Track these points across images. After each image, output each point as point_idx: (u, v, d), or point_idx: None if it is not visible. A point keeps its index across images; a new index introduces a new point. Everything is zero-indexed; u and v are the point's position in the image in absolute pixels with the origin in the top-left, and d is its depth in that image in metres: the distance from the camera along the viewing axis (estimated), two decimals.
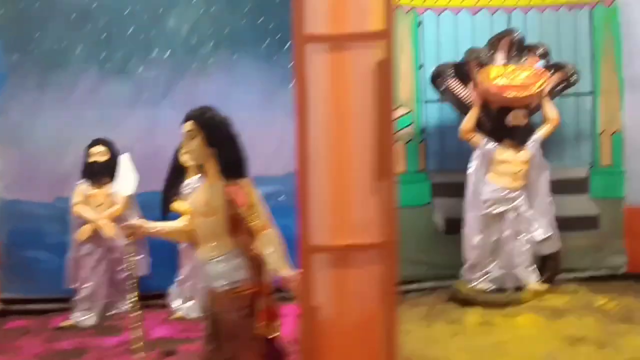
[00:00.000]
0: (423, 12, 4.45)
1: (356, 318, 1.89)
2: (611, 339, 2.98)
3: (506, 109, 3.81)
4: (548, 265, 3.93)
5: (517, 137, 3.78)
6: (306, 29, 1.84)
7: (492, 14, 4.47)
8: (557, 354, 2.82)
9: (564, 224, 4.42)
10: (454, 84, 3.98)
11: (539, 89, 3.73)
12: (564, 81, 4.01)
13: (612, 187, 4.54)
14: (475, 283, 3.82)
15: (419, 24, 4.46)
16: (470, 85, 3.87)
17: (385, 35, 1.86)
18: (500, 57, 3.96)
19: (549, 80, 3.94)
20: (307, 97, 1.84)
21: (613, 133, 4.55)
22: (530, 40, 4.43)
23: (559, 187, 4.49)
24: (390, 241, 1.96)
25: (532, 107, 3.88)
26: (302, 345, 1.88)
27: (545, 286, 3.70)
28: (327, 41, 1.87)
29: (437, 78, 3.99)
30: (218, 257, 1.87)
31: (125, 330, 3.05)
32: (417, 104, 4.42)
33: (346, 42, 1.85)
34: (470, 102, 3.86)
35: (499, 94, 3.72)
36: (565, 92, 4.25)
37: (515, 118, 3.79)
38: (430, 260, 4.16)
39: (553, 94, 4.04)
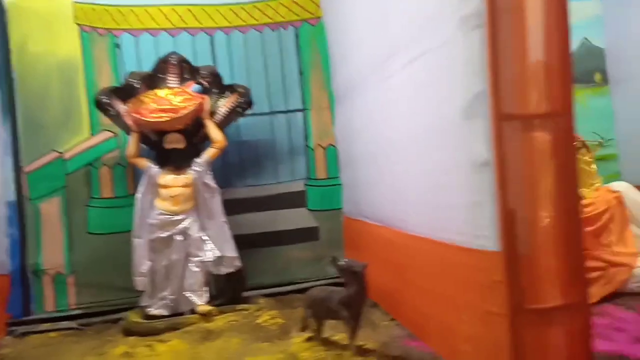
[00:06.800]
0: (120, 35, 4.41)
1: None
2: None
3: (162, 132, 3.80)
4: (230, 285, 3.92)
5: (176, 160, 3.76)
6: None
7: (194, 36, 4.52)
8: None
9: (286, 237, 4.64)
10: (119, 108, 3.90)
11: (188, 112, 3.71)
12: (239, 103, 4.03)
13: (329, 199, 4.67)
14: (150, 310, 3.73)
15: (117, 46, 4.41)
16: (127, 109, 3.82)
17: None
18: (171, 80, 3.96)
19: (229, 103, 4.01)
20: None
21: (326, 147, 4.72)
22: (237, 61, 4.57)
23: (278, 202, 4.67)
24: None
25: (188, 129, 3.87)
26: None
27: (210, 308, 3.65)
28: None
29: (99, 103, 3.90)
30: None
31: None
32: None
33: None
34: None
35: (139, 118, 3.69)
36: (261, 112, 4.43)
37: (170, 142, 3.78)
38: None
39: (232, 116, 4.08)
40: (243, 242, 4.28)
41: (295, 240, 4.61)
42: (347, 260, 2.78)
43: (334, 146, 4.68)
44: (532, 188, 1.71)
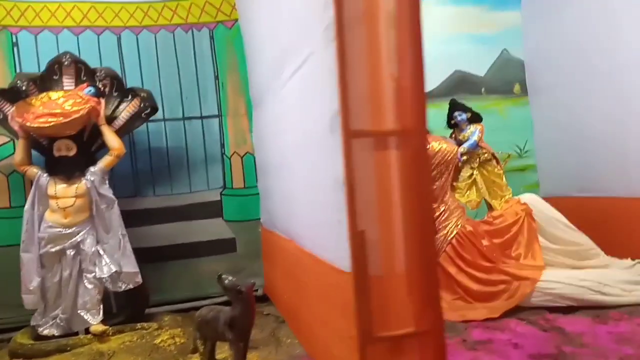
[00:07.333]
0: (18, 32, 4.10)
1: None
2: None
3: (54, 139, 3.52)
4: (130, 302, 3.69)
5: (66, 169, 3.50)
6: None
7: (99, 35, 4.26)
8: None
9: (200, 249, 4.42)
10: (7, 111, 3.60)
11: (78, 117, 3.44)
12: (141, 108, 3.81)
13: (247, 210, 4.48)
14: (41, 330, 3.45)
15: (14, 44, 4.10)
16: (12, 113, 3.54)
17: None
18: (67, 82, 3.70)
19: (131, 108, 3.77)
20: None
21: (244, 155, 4.55)
22: (147, 63, 4.32)
23: (192, 212, 4.45)
24: None
25: (80, 135, 3.60)
26: None
27: (104, 327, 3.39)
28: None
29: None
30: None
31: None
32: None
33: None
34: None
35: (23, 124, 3.42)
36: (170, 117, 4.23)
37: (59, 149, 3.51)
38: None
39: (134, 122, 3.84)
40: (153, 254, 4.08)
41: (211, 252, 4.39)
42: (232, 278, 2.62)
43: (251, 154, 4.51)
44: (384, 208, 1.62)
